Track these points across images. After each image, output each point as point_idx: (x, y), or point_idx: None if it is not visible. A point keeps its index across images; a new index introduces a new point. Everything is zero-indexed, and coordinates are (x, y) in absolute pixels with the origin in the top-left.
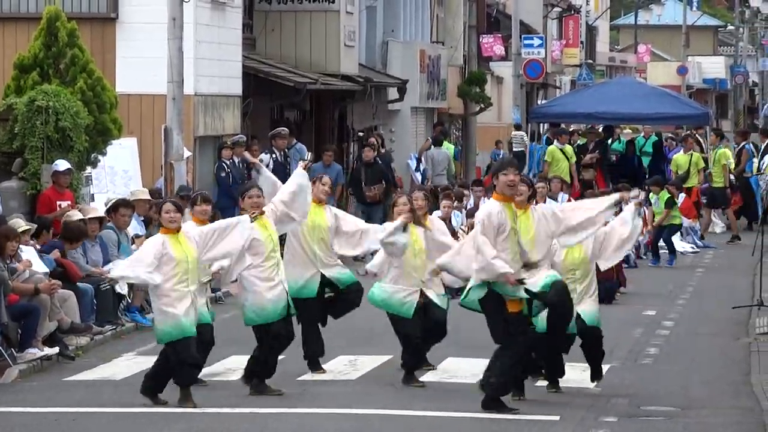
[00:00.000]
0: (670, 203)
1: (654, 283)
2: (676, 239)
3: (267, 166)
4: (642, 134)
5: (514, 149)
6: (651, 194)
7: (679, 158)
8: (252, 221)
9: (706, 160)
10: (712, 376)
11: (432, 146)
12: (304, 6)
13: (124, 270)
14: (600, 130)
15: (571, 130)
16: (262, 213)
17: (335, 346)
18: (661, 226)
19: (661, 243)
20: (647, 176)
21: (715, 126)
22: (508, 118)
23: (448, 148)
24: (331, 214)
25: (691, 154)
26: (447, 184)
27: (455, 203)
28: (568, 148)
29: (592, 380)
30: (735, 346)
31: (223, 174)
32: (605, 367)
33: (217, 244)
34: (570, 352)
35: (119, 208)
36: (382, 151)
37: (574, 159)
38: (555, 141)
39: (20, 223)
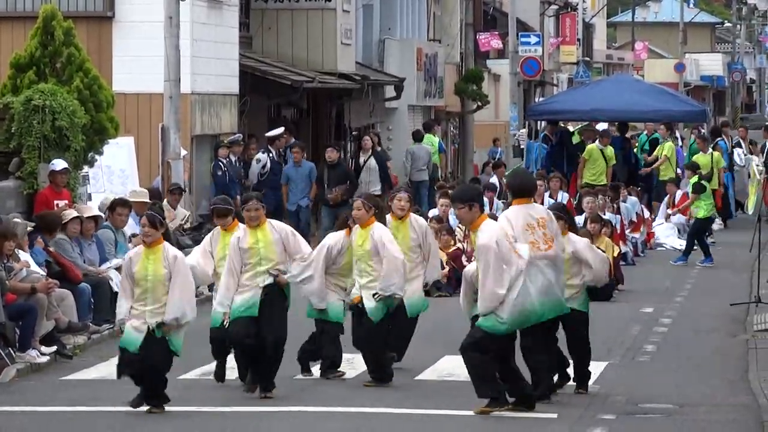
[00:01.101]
0: (699, 188)
1: (651, 281)
2: (673, 236)
3: (264, 165)
4: (645, 132)
5: (521, 146)
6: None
7: (701, 158)
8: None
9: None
10: (710, 374)
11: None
12: (300, 4)
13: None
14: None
15: (569, 128)
16: (262, 223)
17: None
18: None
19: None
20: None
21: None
22: (506, 116)
23: (432, 141)
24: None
25: (712, 154)
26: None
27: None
28: (609, 150)
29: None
30: (733, 343)
31: (220, 173)
32: (602, 365)
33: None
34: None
35: (116, 207)
36: (378, 149)
37: (613, 161)
38: (596, 141)
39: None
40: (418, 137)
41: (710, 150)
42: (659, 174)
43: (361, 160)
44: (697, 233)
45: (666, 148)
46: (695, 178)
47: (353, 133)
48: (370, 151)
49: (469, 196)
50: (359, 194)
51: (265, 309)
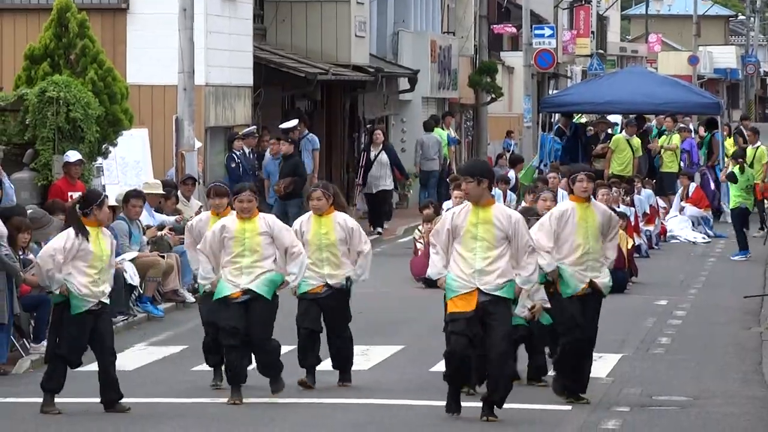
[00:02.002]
0: (730, 177)
1: (666, 273)
2: (687, 229)
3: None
4: (654, 123)
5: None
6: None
7: (749, 151)
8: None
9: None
10: (724, 366)
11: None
12: None
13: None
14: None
15: (584, 121)
16: (255, 215)
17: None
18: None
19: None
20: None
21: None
22: (519, 108)
23: (440, 134)
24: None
25: (757, 147)
26: (452, 171)
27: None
28: (635, 141)
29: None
30: (746, 335)
31: (234, 165)
32: (616, 357)
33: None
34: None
35: (130, 198)
36: (387, 143)
37: (640, 153)
38: (623, 131)
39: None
40: (428, 127)
41: (758, 143)
42: (662, 165)
43: (372, 154)
44: (734, 224)
45: (674, 140)
46: (736, 168)
47: (367, 126)
48: (381, 145)
49: (478, 170)
50: (317, 184)
51: (252, 313)
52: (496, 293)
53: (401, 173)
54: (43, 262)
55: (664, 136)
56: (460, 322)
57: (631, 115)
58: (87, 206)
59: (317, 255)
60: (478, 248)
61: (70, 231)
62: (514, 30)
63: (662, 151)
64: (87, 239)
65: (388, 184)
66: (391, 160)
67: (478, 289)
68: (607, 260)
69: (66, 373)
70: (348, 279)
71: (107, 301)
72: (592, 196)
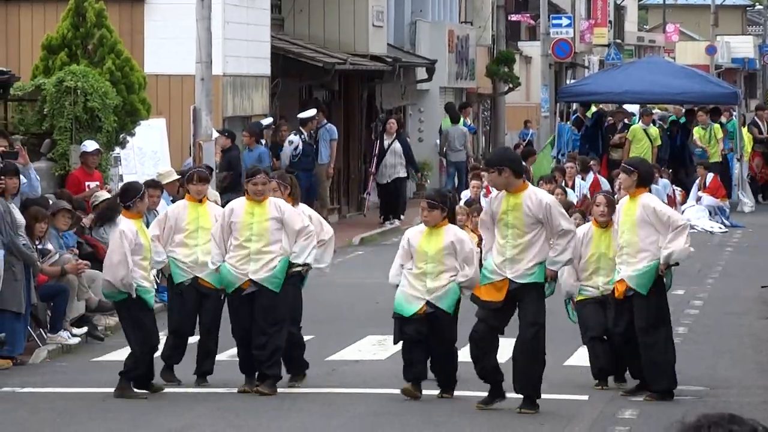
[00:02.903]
0: None
1: (682, 263)
2: (704, 218)
3: (296, 147)
4: (674, 114)
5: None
6: None
7: None
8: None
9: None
10: (741, 356)
11: (450, 123)
12: None
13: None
14: (683, 112)
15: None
16: (266, 198)
17: (364, 327)
18: None
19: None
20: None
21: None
22: (537, 98)
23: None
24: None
25: None
26: (469, 162)
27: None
28: (653, 130)
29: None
30: (763, 325)
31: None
32: None
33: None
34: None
35: (148, 188)
36: (401, 132)
37: (658, 142)
38: (640, 121)
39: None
40: (455, 119)
41: None
42: (713, 157)
43: (386, 143)
44: None
45: (717, 131)
46: None
47: (380, 115)
48: (395, 134)
49: (497, 160)
50: (275, 174)
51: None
52: (525, 281)
53: (412, 167)
54: (113, 273)
55: (701, 129)
56: (486, 310)
57: (647, 105)
58: (129, 199)
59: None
60: (510, 236)
61: (123, 228)
62: (531, 22)
63: (708, 143)
64: (137, 233)
65: (401, 172)
66: (403, 151)
67: (507, 278)
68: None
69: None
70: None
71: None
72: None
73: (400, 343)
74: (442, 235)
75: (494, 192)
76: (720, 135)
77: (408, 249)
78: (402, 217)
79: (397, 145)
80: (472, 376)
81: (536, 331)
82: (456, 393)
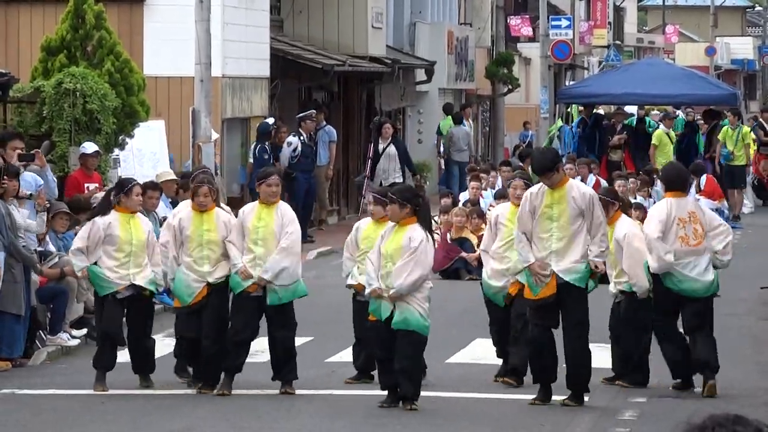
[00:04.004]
0: None
1: None
2: None
3: (295, 148)
4: (682, 115)
5: None
6: None
7: None
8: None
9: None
10: (741, 357)
11: (452, 124)
12: None
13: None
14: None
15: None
16: (276, 202)
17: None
18: None
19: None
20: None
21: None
22: (536, 100)
23: (449, 124)
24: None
25: None
26: (471, 163)
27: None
28: (673, 134)
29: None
30: (763, 326)
31: (266, 156)
32: None
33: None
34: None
35: (147, 190)
36: (398, 136)
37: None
38: (661, 125)
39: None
40: (458, 119)
41: None
42: (735, 160)
43: (381, 146)
44: None
45: (746, 134)
46: None
47: (374, 118)
48: (390, 138)
49: (548, 165)
50: (203, 179)
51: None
52: (570, 279)
53: (410, 169)
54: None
55: (729, 130)
56: (535, 310)
57: (668, 107)
58: (115, 194)
59: (198, 252)
60: (555, 228)
61: (95, 219)
62: (530, 33)
63: (735, 145)
64: (110, 225)
65: (396, 177)
66: (399, 154)
67: (554, 272)
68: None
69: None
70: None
71: (142, 284)
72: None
73: None
74: (402, 233)
75: (533, 188)
76: (748, 139)
77: (378, 247)
78: None
79: (392, 149)
80: (471, 377)
81: (582, 331)
82: (455, 395)
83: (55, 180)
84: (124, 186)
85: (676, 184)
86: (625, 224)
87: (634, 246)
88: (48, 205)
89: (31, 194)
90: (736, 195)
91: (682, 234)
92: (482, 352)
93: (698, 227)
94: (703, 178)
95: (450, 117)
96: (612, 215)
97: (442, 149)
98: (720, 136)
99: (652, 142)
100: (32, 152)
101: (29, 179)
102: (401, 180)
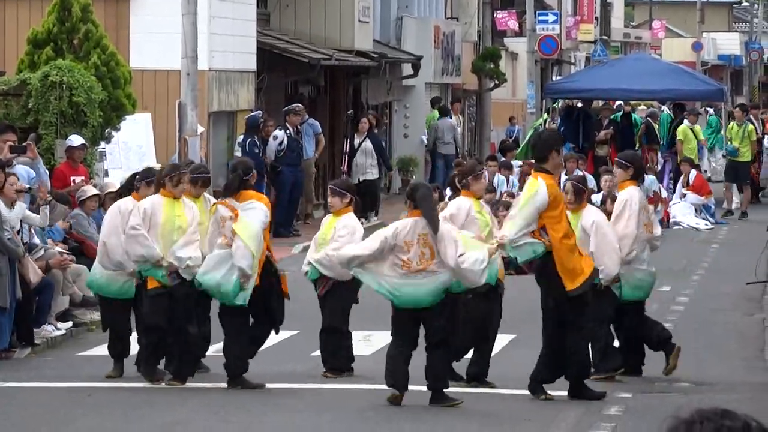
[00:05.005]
0: None
1: (668, 259)
2: (690, 215)
3: (281, 142)
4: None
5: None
6: None
7: None
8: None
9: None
10: (727, 353)
11: (438, 117)
12: None
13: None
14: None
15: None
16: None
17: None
18: None
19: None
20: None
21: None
22: (523, 95)
23: (433, 117)
24: None
25: None
26: (459, 157)
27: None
28: (698, 128)
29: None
30: (749, 322)
31: (257, 150)
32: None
33: None
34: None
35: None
36: (375, 131)
37: (701, 138)
38: (686, 120)
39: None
40: (444, 112)
41: None
42: (740, 156)
43: (357, 141)
44: None
45: (752, 131)
46: None
47: (348, 112)
48: (366, 132)
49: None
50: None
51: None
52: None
53: (385, 164)
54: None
55: (735, 126)
56: None
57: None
58: (138, 181)
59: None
60: None
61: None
62: (516, 27)
63: (741, 141)
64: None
65: (373, 173)
66: (375, 150)
67: None
68: None
69: None
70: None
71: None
72: None
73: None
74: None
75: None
76: (754, 137)
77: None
78: (374, 220)
79: (368, 144)
80: (457, 371)
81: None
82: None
83: (47, 172)
84: (145, 176)
85: (641, 172)
86: (591, 212)
87: (603, 232)
88: (50, 199)
89: (30, 188)
90: (744, 191)
91: (645, 221)
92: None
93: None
94: (693, 173)
95: (436, 110)
96: (582, 203)
97: (425, 140)
98: (726, 132)
99: (678, 137)
100: (24, 144)
101: (22, 172)
102: (377, 176)
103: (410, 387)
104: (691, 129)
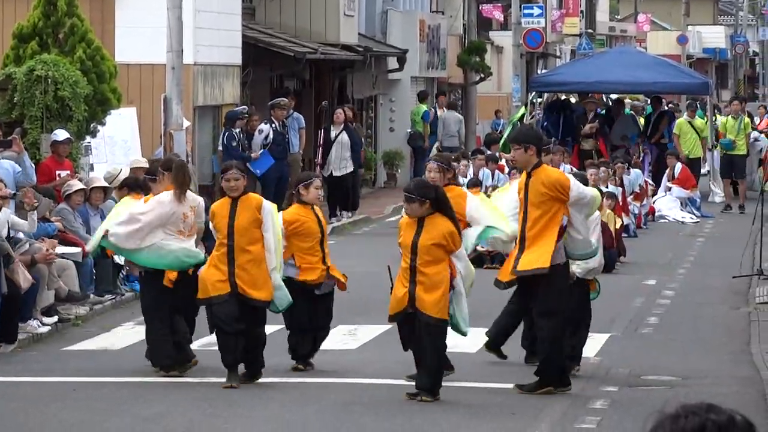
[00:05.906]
0: None
1: (654, 253)
2: (676, 209)
3: (266, 136)
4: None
5: None
6: None
7: None
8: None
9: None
10: (713, 346)
11: (445, 109)
12: None
13: None
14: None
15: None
16: (242, 195)
17: (335, 317)
18: None
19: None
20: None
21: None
22: (508, 88)
23: (419, 109)
24: None
25: None
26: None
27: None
28: (699, 122)
29: None
30: (735, 315)
31: (235, 143)
32: (605, 337)
33: None
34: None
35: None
36: (351, 125)
37: (705, 133)
38: (684, 113)
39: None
40: (452, 106)
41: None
42: (737, 149)
43: (333, 133)
44: None
45: (747, 124)
46: None
47: (322, 102)
48: (342, 125)
49: (524, 138)
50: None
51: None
52: None
53: (356, 161)
54: None
55: (731, 119)
56: None
57: (639, 96)
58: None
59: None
60: None
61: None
62: (501, 18)
63: (737, 134)
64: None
65: (347, 167)
66: (351, 144)
67: None
68: None
69: None
70: None
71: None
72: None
73: (372, 332)
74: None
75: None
76: (749, 130)
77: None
78: (351, 215)
79: (344, 137)
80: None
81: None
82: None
83: (33, 166)
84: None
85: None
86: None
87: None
88: (37, 204)
89: (14, 194)
90: (740, 185)
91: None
92: (452, 340)
93: None
94: (678, 166)
95: (423, 104)
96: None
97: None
98: (721, 126)
99: (674, 131)
100: (9, 139)
101: (6, 166)
102: (350, 170)
103: (390, 381)
104: (690, 123)
